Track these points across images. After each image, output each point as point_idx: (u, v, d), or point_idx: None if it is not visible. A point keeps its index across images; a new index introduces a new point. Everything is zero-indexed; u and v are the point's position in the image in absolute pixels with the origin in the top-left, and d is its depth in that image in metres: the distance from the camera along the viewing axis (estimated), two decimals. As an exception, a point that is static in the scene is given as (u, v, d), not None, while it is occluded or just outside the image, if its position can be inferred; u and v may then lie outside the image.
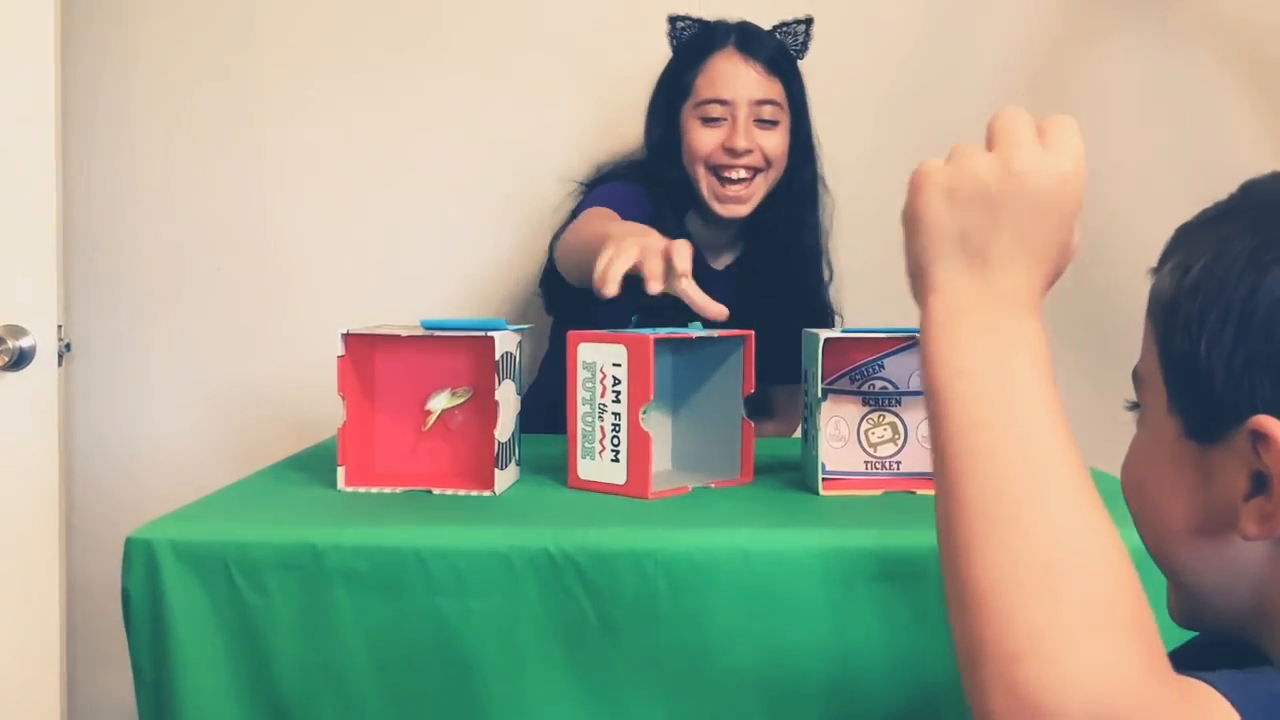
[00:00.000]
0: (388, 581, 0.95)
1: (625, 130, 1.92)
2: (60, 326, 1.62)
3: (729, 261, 1.72)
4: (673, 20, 1.63)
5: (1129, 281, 2.10)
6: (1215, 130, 1.96)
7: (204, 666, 0.96)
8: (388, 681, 0.95)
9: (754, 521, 1.02)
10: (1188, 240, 0.60)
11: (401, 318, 1.37)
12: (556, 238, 1.57)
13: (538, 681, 0.94)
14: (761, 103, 1.56)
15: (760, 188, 1.59)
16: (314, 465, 1.25)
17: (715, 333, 1.16)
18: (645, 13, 1.93)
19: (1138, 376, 0.64)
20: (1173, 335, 0.59)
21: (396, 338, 1.18)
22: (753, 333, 1.15)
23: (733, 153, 1.55)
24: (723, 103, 1.55)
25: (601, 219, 1.39)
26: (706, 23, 1.62)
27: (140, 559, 0.96)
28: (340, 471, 1.14)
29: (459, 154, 1.95)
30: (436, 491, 1.13)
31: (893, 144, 1.74)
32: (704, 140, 1.56)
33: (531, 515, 1.04)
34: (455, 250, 1.96)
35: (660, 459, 1.22)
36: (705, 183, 1.58)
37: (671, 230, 1.52)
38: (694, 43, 1.61)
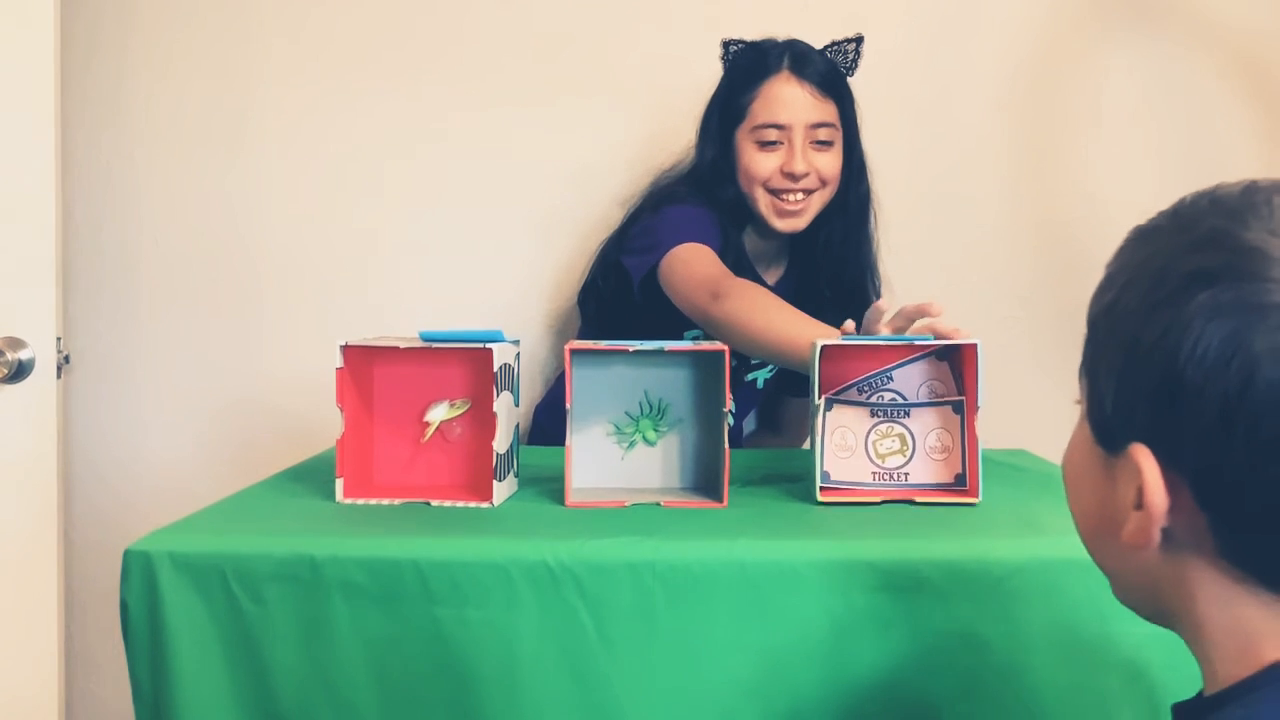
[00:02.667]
0: (386, 593, 0.95)
1: (629, 136, 1.93)
2: (59, 339, 1.63)
3: (779, 275, 1.74)
4: (725, 44, 1.65)
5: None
6: (1212, 134, 1.97)
7: (202, 678, 0.96)
8: (386, 693, 0.95)
9: (752, 533, 1.02)
10: (1124, 252, 0.63)
11: (400, 330, 1.38)
12: (610, 249, 1.62)
13: (536, 692, 0.94)
14: (817, 125, 1.59)
15: (816, 204, 1.62)
16: (312, 477, 1.25)
17: (689, 346, 1.16)
18: (644, 13, 1.94)
19: (1079, 376, 0.67)
20: (1088, 349, 0.64)
21: (395, 349, 1.18)
22: (726, 348, 1.15)
23: (791, 177, 1.58)
24: (779, 127, 1.58)
25: (775, 307, 1.39)
26: (758, 45, 1.64)
27: (138, 570, 0.96)
28: (338, 483, 1.14)
29: (463, 162, 1.95)
30: (435, 503, 1.13)
31: (890, 149, 1.75)
32: (762, 165, 1.59)
33: (530, 527, 1.04)
34: (455, 261, 1.97)
35: (649, 475, 1.22)
36: (764, 201, 1.61)
37: (733, 245, 1.59)
38: (747, 65, 1.63)
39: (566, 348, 1.14)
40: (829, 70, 1.61)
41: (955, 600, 0.95)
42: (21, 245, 1.60)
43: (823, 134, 1.59)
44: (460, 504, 1.13)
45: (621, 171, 1.90)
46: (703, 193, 1.64)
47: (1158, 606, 0.65)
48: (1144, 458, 0.58)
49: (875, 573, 0.95)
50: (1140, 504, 0.59)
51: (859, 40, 1.65)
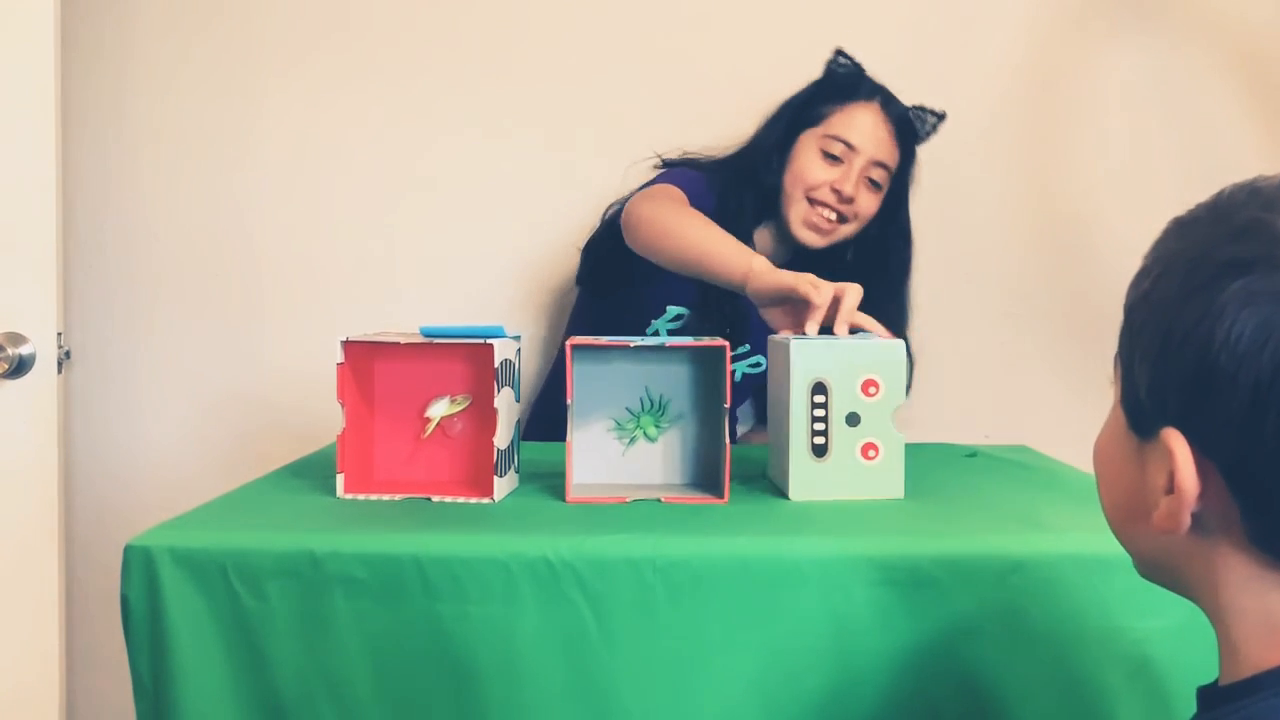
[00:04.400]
0: (386, 588, 0.95)
1: (628, 133, 1.93)
2: (60, 334, 1.62)
3: None
4: (838, 53, 1.68)
5: (1125, 279, 2.10)
6: (1213, 130, 1.97)
7: (203, 673, 0.96)
8: (386, 688, 0.95)
9: (753, 529, 1.02)
10: (1162, 242, 0.64)
11: (401, 325, 1.37)
12: (621, 208, 1.62)
13: (536, 688, 0.94)
14: (878, 164, 1.62)
15: (841, 234, 1.64)
16: (313, 472, 1.25)
17: (690, 342, 1.16)
18: (642, 10, 1.94)
19: (1114, 363, 0.69)
20: (1124, 336, 0.65)
21: (396, 345, 1.18)
22: (727, 343, 1.15)
23: (839, 195, 1.60)
24: (849, 146, 1.60)
25: (689, 213, 1.46)
26: (862, 70, 1.67)
27: (139, 566, 0.96)
28: (339, 479, 1.14)
29: (463, 160, 1.95)
30: (435, 499, 1.13)
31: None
32: (817, 172, 1.61)
33: (530, 522, 1.04)
34: (455, 257, 1.97)
35: (650, 471, 1.22)
36: (799, 207, 1.62)
37: (735, 229, 1.56)
38: (843, 82, 1.65)
39: (567, 343, 1.14)
40: (908, 124, 1.65)
41: (957, 596, 0.95)
42: (22, 240, 1.60)
43: (878, 174, 1.62)
44: (461, 499, 1.13)
45: (621, 169, 1.90)
46: (728, 174, 1.65)
47: (1183, 589, 0.66)
48: (1176, 442, 0.59)
49: (877, 568, 0.95)
50: (1171, 489, 0.60)
51: (941, 116, 1.69)
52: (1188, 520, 0.60)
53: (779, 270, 1.26)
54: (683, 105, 1.94)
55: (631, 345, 1.14)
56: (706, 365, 1.21)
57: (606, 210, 1.70)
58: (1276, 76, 1.98)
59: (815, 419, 1.15)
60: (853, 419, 1.15)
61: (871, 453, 1.15)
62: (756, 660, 0.95)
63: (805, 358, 1.14)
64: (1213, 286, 0.57)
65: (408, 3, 1.94)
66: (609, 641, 0.94)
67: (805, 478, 1.15)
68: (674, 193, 1.54)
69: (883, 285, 1.66)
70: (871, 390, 1.15)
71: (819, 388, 1.14)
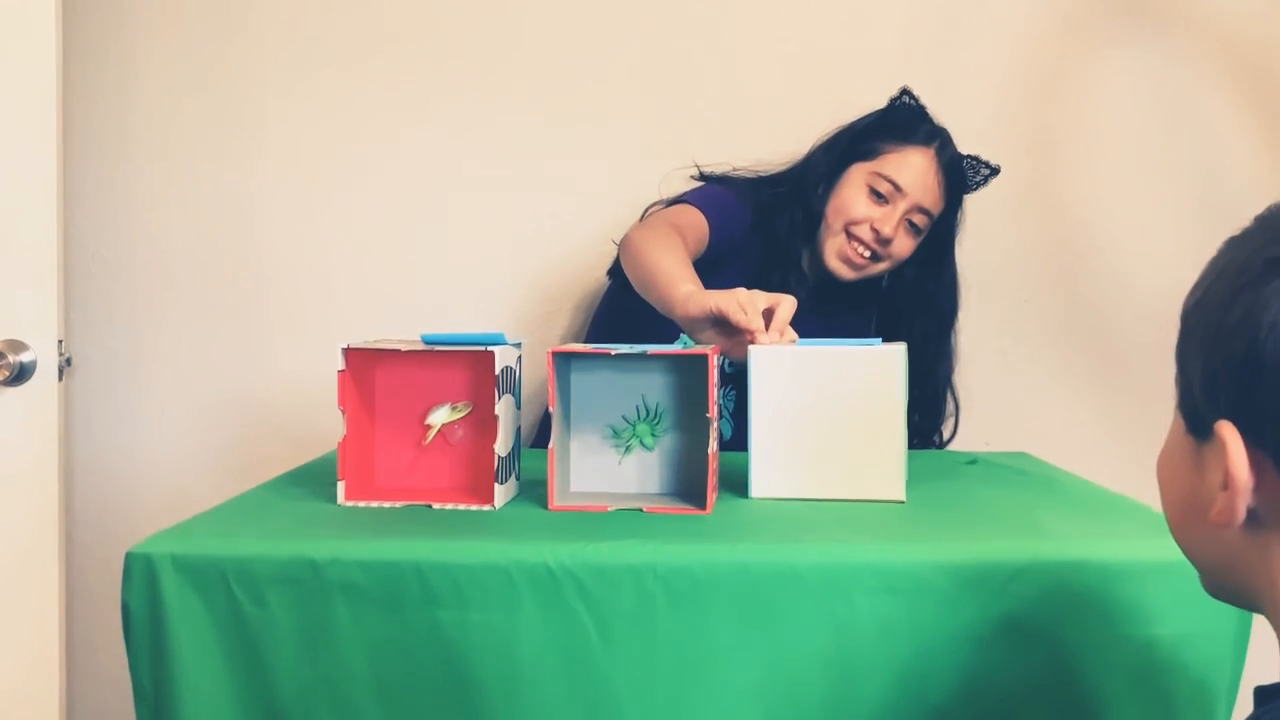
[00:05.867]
0: (387, 595, 0.95)
1: (632, 140, 1.93)
2: (61, 341, 1.63)
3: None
4: (904, 91, 1.69)
5: (1125, 285, 2.12)
6: (1212, 135, 1.97)
7: (204, 680, 0.96)
8: (387, 695, 0.95)
9: (753, 535, 1.02)
10: (1216, 257, 0.67)
11: (402, 332, 1.38)
12: (660, 207, 1.63)
13: (537, 695, 0.94)
14: (922, 210, 1.63)
15: (871, 270, 1.65)
16: (313, 480, 1.25)
17: (673, 350, 1.16)
18: (648, 18, 1.95)
19: (1176, 382, 0.71)
20: (1180, 344, 0.67)
21: (397, 352, 1.18)
22: (714, 349, 1.16)
23: (877, 235, 1.61)
24: (897, 189, 1.61)
25: (663, 240, 1.44)
26: (924, 112, 1.68)
27: (140, 573, 0.96)
28: (340, 486, 1.14)
29: (467, 166, 1.95)
30: (436, 506, 1.13)
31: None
32: (860, 208, 1.61)
33: (531, 529, 1.04)
34: (458, 263, 1.97)
35: (648, 480, 1.22)
36: (836, 239, 1.63)
37: (776, 247, 1.62)
38: (902, 121, 1.66)
39: (549, 351, 1.13)
40: (959, 174, 1.67)
41: (957, 603, 0.95)
42: (23, 247, 1.60)
43: (920, 220, 1.63)
44: (462, 507, 1.13)
45: (625, 176, 1.90)
46: (767, 196, 1.66)
47: (1245, 591, 0.67)
48: (1229, 433, 0.61)
49: (877, 575, 0.95)
50: (1227, 484, 0.61)
51: (995, 170, 1.72)
52: (1243, 512, 0.61)
53: (708, 293, 1.25)
54: (697, 113, 1.94)
55: (612, 353, 1.14)
56: (697, 375, 1.20)
57: (647, 209, 1.69)
58: (1276, 83, 1.98)
59: (777, 421, 1.17)
60: (817, 423, 1.16)
61: (833, 454, 1.16)
62: (757, 667, 0.95)
63: (770, 363, 1.17)
64: (1259, 283, 0.60)
65: (415, 8, 1.94)
66: (610, 649, 0.94)
67: (766, 477, 1.17)
68: (681, 218, 1.53)
69: (928, 329, 1.69)
70: (838, 396, 1.16)
71: (782, 392, 1.16)
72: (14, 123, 1.60)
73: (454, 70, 1.94)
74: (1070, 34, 1.97)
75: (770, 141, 1.79)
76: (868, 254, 1.63)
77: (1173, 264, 2.00)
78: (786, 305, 1.22)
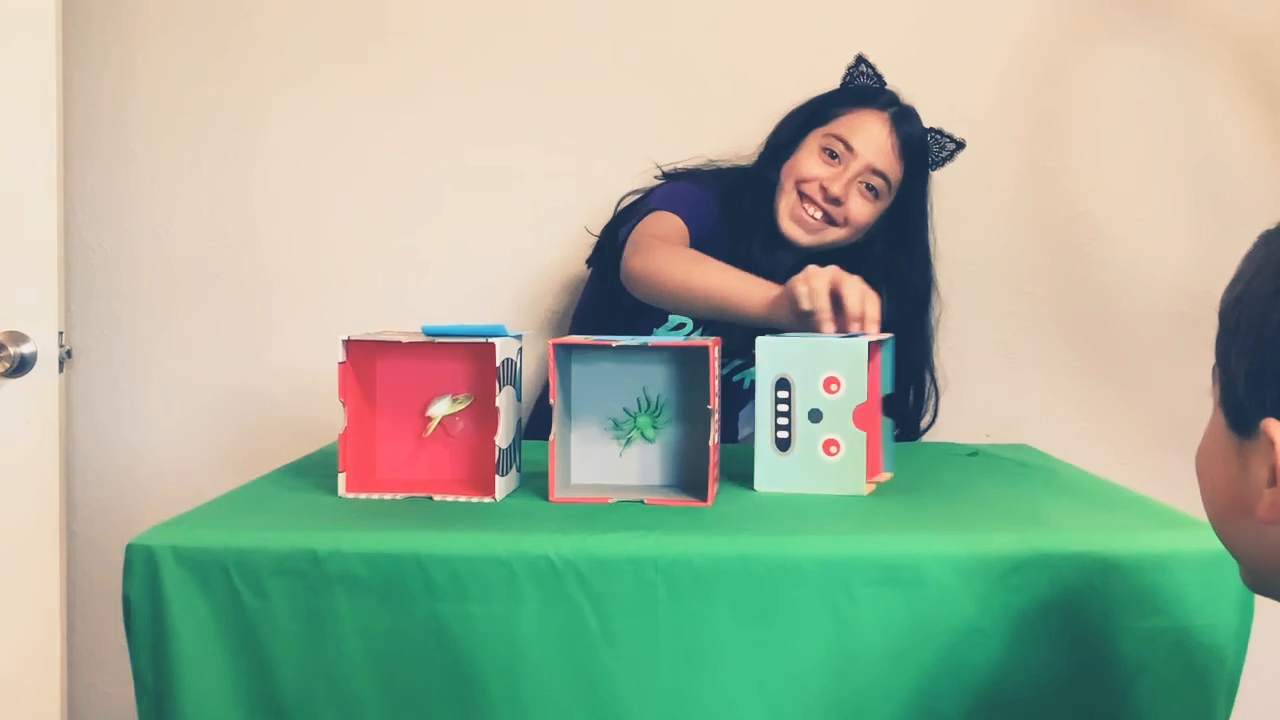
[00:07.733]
0: (388, 587, 0.95)
1: (630, 133, 1.93)
2: (61, 333, 1.62)
3: None
4: (860, 60, 1.68)
5: (1126, 276, 2.12)
6: (1215, 130, 1.96)
7: (205, 672, 0.96)
8: (388, 687, 0.95)
9: (754, 526, 1.02)
10: (1252, 253, 0.67)
11: (403, 324, 1.37)
12: (625, 214, 1.64)
13: (538, 687, 0.94)
14: (876, 171, 1.60)
15: (826, 237, 1.62)
16: (315, 471, 1.25)
17: (675, 341, 1.16)
18: (646, 11, 1.94)
19: (1212, 375, 0.71)
20: (1220, 341, 0.68)
21: (397, 344, 1.18)
22: (716, 341, 1.16)
23: (825, 193, 1.59)
24: (848, 148, 1.59)
25: (693, 260, 1.44)
26: (882, 82, 1.68)
27: (141, 565, 0.96)
28: (341, 478, 1.14)
29: (465, 158, 1.95)
30: (437, 498, 1.13)
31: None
32: (811, 166, 1.60)
33: (532, 521, 1.04)
34: (457, 256, 1.96)
35: (650, 472, 1.22)
36: (788, 199, 1.62)
37: (741, 232, 1.62)
38: (859, 90, 1.66)
39: (550, 343, 1.13)
40: (919, 142, 1.64)
41: (958, 594, 0.95)
42: (24, 239, 1.60)
43: (876, 182, 1.61)
44: (462, 499, 1.13)
45: (623, 169, 1.90)
46: (726, 185, 1.66)
47: None
48: (1277, 431, 0.61)
49: (878, 567, 0.95)
50: (1274, 480, 0.62)
51: (960, 145, 1.70)
52: None
53: (778, 290, 1.28)
54: (696, 105, 1.94)
55: (614, 345, 1.14)
56: (697, 367, 1.20)
57: (620, 201, 1.69)
58: (1277, 74, 1.98)
59: (779, 414, 1.17)
60: (815, 415, 1.16)
61: (833, 449, 1.16)
62: (758, 659, 0.95)
63: (769, 355, 1.17)
64: None
65: (411, 6, 1.94)
66: (611, 640, 0.94)
67: (770, 471, 1.17)
68: (667, 229, 1.53)
69: (904, 311, 1.65)
70: (834, 388, 1.16)
71: (782, 384, 1.16)
72: (14, 114, 1.60)
73: (453, 67, 1.94)
74: (1071, 25, 1.96)
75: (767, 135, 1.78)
76: (819, 214, 1.60)
77: (1174, 254, 2.02)
78: (851, 286, 1.23)
